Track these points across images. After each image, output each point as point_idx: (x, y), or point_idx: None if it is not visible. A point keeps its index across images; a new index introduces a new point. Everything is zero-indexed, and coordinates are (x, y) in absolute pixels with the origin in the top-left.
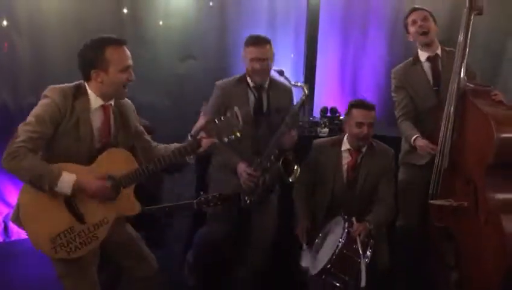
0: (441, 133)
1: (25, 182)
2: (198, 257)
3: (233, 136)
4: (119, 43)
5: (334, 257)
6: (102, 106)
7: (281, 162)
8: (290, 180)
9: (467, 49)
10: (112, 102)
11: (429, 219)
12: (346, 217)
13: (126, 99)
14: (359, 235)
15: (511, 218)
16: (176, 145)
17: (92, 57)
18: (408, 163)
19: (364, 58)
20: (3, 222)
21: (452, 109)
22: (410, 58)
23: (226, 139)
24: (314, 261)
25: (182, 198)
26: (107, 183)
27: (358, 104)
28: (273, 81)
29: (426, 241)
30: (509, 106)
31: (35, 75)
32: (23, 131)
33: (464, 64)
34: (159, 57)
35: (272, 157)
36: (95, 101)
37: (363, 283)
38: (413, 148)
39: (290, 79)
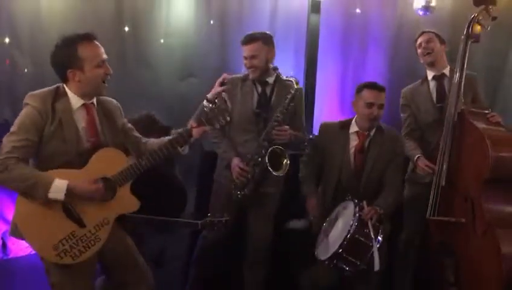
0: (439, 152)
1: (18, 193)
2: (200, 259)
3: (224, 121)
4: (89, 38)
5: (345, 241)
6: (84, 105)
7: (268, 155)
8: (276, 174)
9: (464, 75)
10: (94, 101)
11: (430, 234)
12: (356, 201)
13: (110, 98)
14: (370, 219)
15: (507, 232)
16: (168, 138)
17: (65, 57)
18: (413, 180)
19: (364, 76)
20: (1, 239)
21: (450, 129)
22: (420, 80)
23: (217, 125)
24: (324, 246)
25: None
26: (99, 183)
27: (369, 84)
28: (279, 78)
29: (427, 257)
30: (506, 127)
31: None
32: (7, 142)
33: (461, 88)
34: (159, 75)
35: (262, 151)
36: (76, 101)
37: (376, 267)
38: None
39: (285, 78)
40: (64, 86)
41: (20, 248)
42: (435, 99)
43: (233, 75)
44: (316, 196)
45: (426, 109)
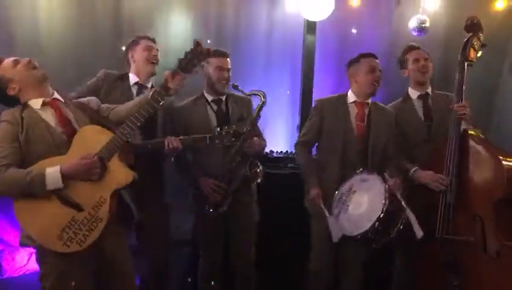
0: (445, 172)
1: (16, 197)
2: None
3: (199, 63)
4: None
5: (381, 215)
6: (46, 103)
7: (247, 167)
8: (257, 182)
9: (463, 96)
10: (57, 96)
11: (434, 253)
12: (376, 173)
13: (87, 98)
14: (398, 189)
15: None
16: (139, 97)
17: None
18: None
19: None
20: None
21: (455, 148)
22: (400, 98)
23: (194, 70)
24: (348, 221)
25: (181, 230)
26: (92, 157)
27: (364, 54)
28: (229, 94)
29: (431, 276)
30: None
31: None
32: None
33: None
34: None
35: (234, 164)
36: (35, 102)
37: (420, 234)
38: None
39: (249, 93)
40: (22, 102)
41: (15, 268)
42: (422, 117)
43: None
44: (318, 185)
45: (416, 127)
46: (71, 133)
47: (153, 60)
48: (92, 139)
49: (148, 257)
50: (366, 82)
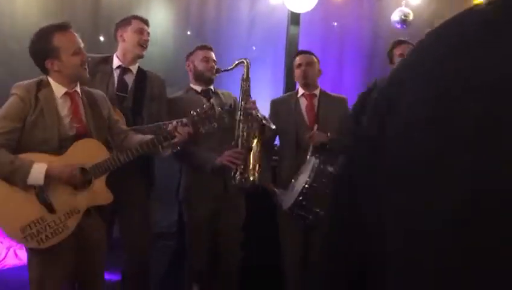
0: None
1: None
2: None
3: (210, 127)
4: (64, 28)
5: (304, 190)
6: (68, 94)
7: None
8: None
9: None
10: (78, 89)
11: None
12: (316, 155)
13: (97, 90)
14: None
15: None
16: (150, 136)
17: (41, 48)
18: None
19: (342, 86)
20: None
21: None
22: None
23: (202, 130)
24: (288, 197)
25: (159, 225)
26: (76, 172)
27: (300, 51)
28: (215, 89)
29: None
30: None
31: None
32: None
33: None
34: None
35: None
36: (58, 89)
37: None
38: None
39: (232, 66)
40: (48, 77)
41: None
42: None
43: (174, 94)
44: (268, 171)
45: None
46: (79, 129)
47: (143, 44)
48: (89, 152)
49: (128, 248)
50: (298, 78)
